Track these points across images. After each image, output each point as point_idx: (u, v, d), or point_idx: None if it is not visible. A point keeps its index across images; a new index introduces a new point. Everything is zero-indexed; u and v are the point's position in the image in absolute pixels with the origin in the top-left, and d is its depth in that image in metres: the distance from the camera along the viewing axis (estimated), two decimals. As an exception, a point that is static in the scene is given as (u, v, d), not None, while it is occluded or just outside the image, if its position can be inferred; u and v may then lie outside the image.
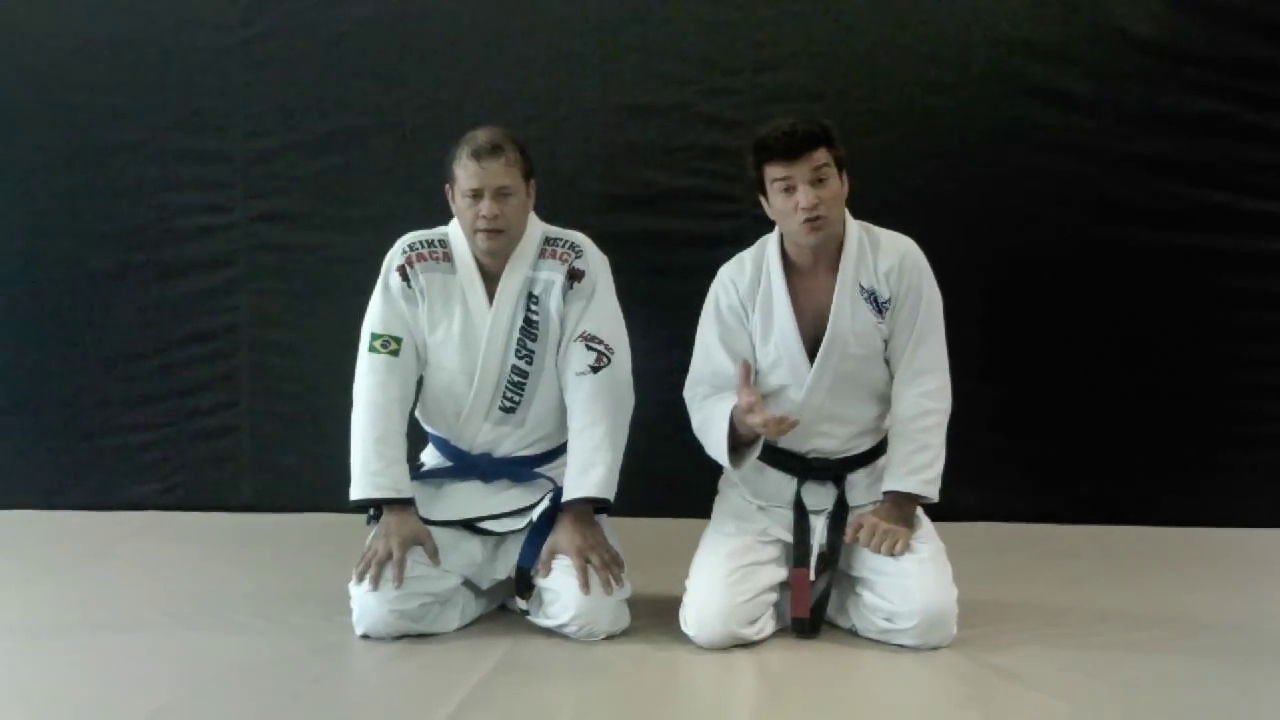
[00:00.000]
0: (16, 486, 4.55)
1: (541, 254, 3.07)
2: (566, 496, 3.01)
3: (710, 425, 2.96)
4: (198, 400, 4.51)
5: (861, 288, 2.98)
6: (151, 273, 4.51)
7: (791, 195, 2.89)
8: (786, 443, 3.03)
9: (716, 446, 2.95)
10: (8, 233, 4.56)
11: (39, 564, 3.75)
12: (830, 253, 2.99)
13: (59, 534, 4.16)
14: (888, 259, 2.99)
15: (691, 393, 3.07)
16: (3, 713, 2.52)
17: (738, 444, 2.93)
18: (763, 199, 2.98)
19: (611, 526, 3.11)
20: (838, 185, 2.93)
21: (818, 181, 2.88)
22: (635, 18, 4.30)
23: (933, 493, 2.96)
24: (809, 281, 3.01)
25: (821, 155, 2.89)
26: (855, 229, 3.02)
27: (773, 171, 2.91)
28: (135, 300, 4.52)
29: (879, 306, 2.98)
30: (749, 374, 2.89)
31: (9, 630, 3.05)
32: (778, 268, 3.01)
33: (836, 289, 2.96)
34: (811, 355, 2.97)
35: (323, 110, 4.42)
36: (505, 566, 3.06)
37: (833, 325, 2.95)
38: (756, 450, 2.94)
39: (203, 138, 4.46)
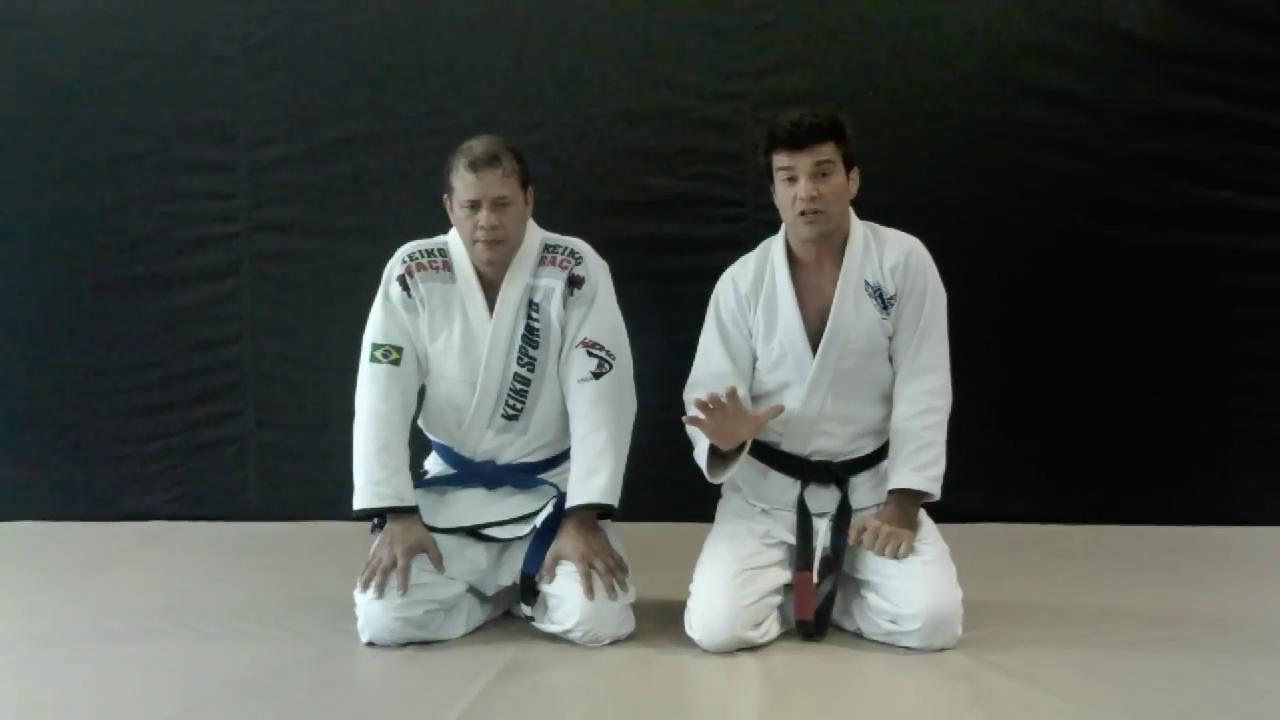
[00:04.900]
0: (23, 498, 4.56)
1: (541, 261, 3.07)
2: (570, 503, 3.02)
3: (698, 436, 2.95)
4: (202, 410, 4.52)
5: (866, 284, 2.98)
6: (155, 283, 4.52)
7: (793, 186, 2.91)
8: (789, 444, 3.05)
9: (700, 456, 2.96)
10: (12, 245, 4.58)
11: (45, 575, 3.75)
12: (834, 248, 3.00)
13: (65, 545, 4.17)
14: (893, 255, 2.99)
15: (689, 395, 3.06)
16: (10, 724, 2.54)
17: (723, 453, 2.91)
18: (772, 187, 3.00)
19: (615, 531, 3.11)
20: (841, 181, 2.94)
21: (820, 175, 2.90)
22: (635, 23, 4.31)
23: (936, 489, 2.96)
24: (813, 277, 3.01)
25: (827, 150, 2.90)
26: (860, 227, 3.03)
27: (778, 160, 2.93)
28: (139, 311, 4.53)
29: (884, 302, 2.98)
30: (733, 395, 2.82)
31: (16, 641, 3.06)
32: (782, 263, 3.02)
33: (839, 282, 2.97)
34: (815, 350, 2.98)
35: (325, 120, 4.43)
36: (510, 573, 3.06)
37: (834, 318, 2.96)
38: (736, 464, 2.93)
39: (206, 148, 4.48)
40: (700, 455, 2.94)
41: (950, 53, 4.21)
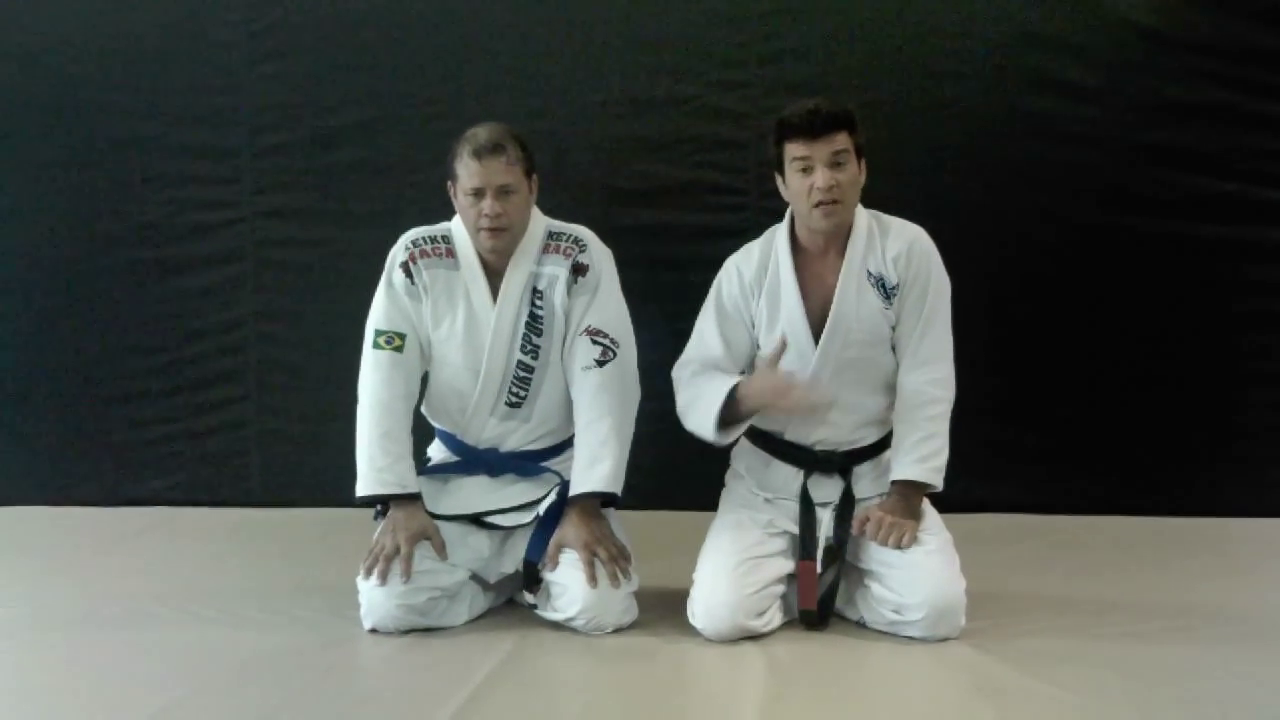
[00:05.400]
0: (25, 482, 4.56)
1: (545, 249, 3.07)
2: (573, 491, 3.02)
3: (700, 398, 2.94)
4: (205, 396, 4.52)
5: (870, 273, 2.98)
6: (159, 268, 4.51)
7: (808, 176, 2.90)
8: (793, 434, 3.05)
9: (704, 417, 2.94)
10: (16, 229, 4.57)
11: (47, 560, 3.76)
12: (839, 238, 2.99)
13: (67, 530, 4.17)
14: (896, 245, 2.99)
15: (680, 371, 3.07)
16: (13, 707, 2.54)
17: (728, 419, 2.93)
18: (779, 178, 2.99)
19: (619, 519, 3.12)
20: (855, 171, 2.93)
21: (836, 165, 2.89)
22: (640, 10, 4.29)
23: (939, 481, 2.96)
24: (817, 266, 3.01)
25: (842, 139, 2.90)
26: (865, 216, 3.02)
27: (792, 149, 2.91)
28: (142, 296, 4.52)
29: (886, 292, 2.97)
30: (781, 351, 2.89)
31: (18, 626, 3.06)
32: (786, 252, 3.01)
33: (842, 272, 2.96)
34: (818, 340, 2.97)
35: (329, 105, 4.42)
36: (513, 561, 3.07)
37: (836, 308, 2.95)
38: (743, 427, 2.94)
39: (209, 133, 4.46)
40: (709, 419, 2.92)
41: (955, 42, 4.19)
